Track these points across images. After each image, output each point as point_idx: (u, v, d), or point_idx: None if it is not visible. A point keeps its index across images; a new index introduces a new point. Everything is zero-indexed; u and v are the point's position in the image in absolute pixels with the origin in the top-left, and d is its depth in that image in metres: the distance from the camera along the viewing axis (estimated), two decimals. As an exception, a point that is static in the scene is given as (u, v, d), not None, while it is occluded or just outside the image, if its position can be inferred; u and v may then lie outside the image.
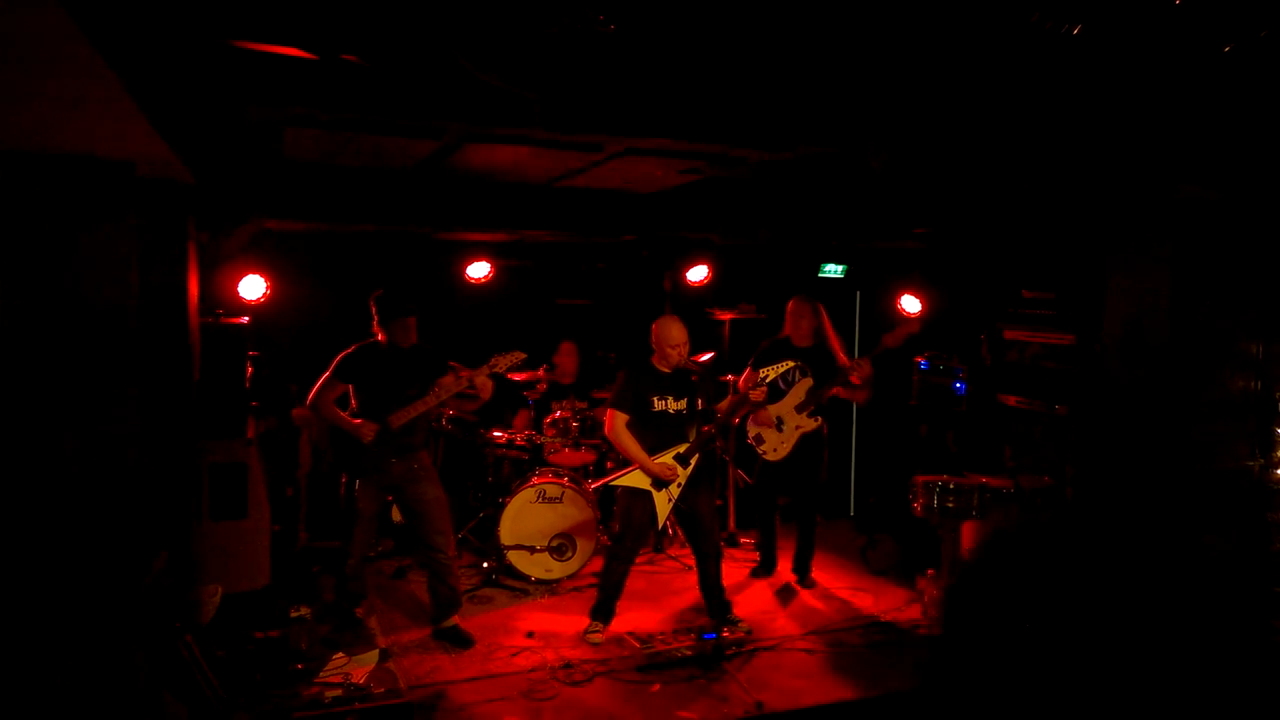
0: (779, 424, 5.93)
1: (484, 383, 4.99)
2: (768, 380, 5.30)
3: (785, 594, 5.99)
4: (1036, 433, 5.90)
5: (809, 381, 5.84)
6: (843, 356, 5.84)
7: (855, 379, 5.65)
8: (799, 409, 5.84)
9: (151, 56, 2.87)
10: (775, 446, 5.96)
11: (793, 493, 6.19)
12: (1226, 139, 4.10)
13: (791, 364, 5.71)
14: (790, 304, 6.06)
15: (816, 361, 5.88)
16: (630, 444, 5.02)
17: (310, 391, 5.02)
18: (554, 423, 6.59)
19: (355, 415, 4.97)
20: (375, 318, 5.02)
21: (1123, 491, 4.75)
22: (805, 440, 5.88)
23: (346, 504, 5.14)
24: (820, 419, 5.86)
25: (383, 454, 4.95)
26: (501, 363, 5.01)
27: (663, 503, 5.07)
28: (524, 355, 5.08)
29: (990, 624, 4.29)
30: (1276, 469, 4.54)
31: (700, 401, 5.16)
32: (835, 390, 5.80)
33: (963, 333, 6.61)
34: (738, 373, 6.89)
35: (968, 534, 5.37)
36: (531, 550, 6.01)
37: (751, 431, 6.09)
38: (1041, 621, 4.21)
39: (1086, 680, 4.31)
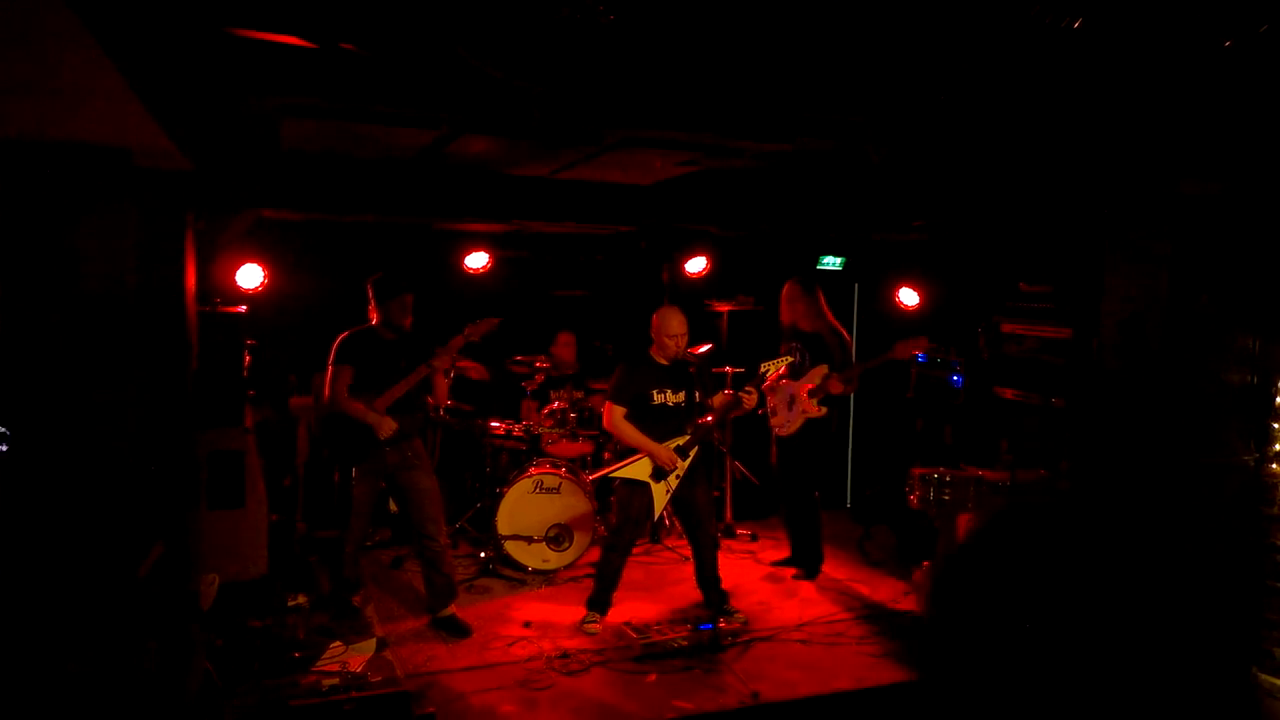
0: (790, 402, 5.94)
1: (460, 345, 5.08)
2: (766, 374, 5.30)
3: (781, 585, 6.00)
4: (1033, 426, 5.91)
5: (824, 368, 5.82)
6: (850, 349, 5.88)
7: (836, 387, 5.75)
8: (811, 394, 5.81)
9: (149, 44, 2.86)
10: (784, 422, 5.98)
11: (795, 477, 6.17)
12: (1226, 134, 4.11)
13: (790, 358, 5.70)
14: (784, 289, 6.07)
15: (818, 344, 5.87)
16: (631, 432, 5.04)
17: (324, 387, 5.02)
18: (552, 413, 6.59)
19: (352, 400, 4.98)
20: (372, 300, 5.04)
21: (1118, 485, 4.76)
22: (810, 425, 5.87)
23: (341, 492, 5.14)
24: (825, 409, 5.84)
25: (377, 442, 4.97)
26: (475, 331, 5.05)
27: (660, 494, 5.08)
28: (497, 320, 5.12)
29: (979, 612, 4.30)
30: (1272, 463, 4.56)
31: (698, 394, 5.17)
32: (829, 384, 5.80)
33: (960, 326, 6.61)
34: (735, 364, 6.90)
35: (961, 523, 5.37)
36: (529, 540, 6.02)
37: (769, 403, 6.11)
38: (1034, 612, 4.21)
39: (1079, 671, 4.32)
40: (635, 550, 5.60)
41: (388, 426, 4.91)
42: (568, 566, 6.09)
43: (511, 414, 6.93)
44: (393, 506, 6.00)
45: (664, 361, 5.11)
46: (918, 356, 6.83)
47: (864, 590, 5.92)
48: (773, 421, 6.09)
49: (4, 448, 3.52)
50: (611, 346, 7.59)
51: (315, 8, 3.10)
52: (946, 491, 5.52)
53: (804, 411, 5.84)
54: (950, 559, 5.03)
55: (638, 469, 5.06)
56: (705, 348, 6.57)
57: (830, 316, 5.98)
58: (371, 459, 5.00)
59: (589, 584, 5.42)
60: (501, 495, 6.03)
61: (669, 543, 6.74)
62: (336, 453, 5.15)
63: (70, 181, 3.68)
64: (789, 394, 5.95)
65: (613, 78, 3.71)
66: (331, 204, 5.63)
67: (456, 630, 5.07)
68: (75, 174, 3.68)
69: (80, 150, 3.64)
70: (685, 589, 5.70)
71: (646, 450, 5.02)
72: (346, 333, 5.07)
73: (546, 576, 6.01)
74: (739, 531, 7.03)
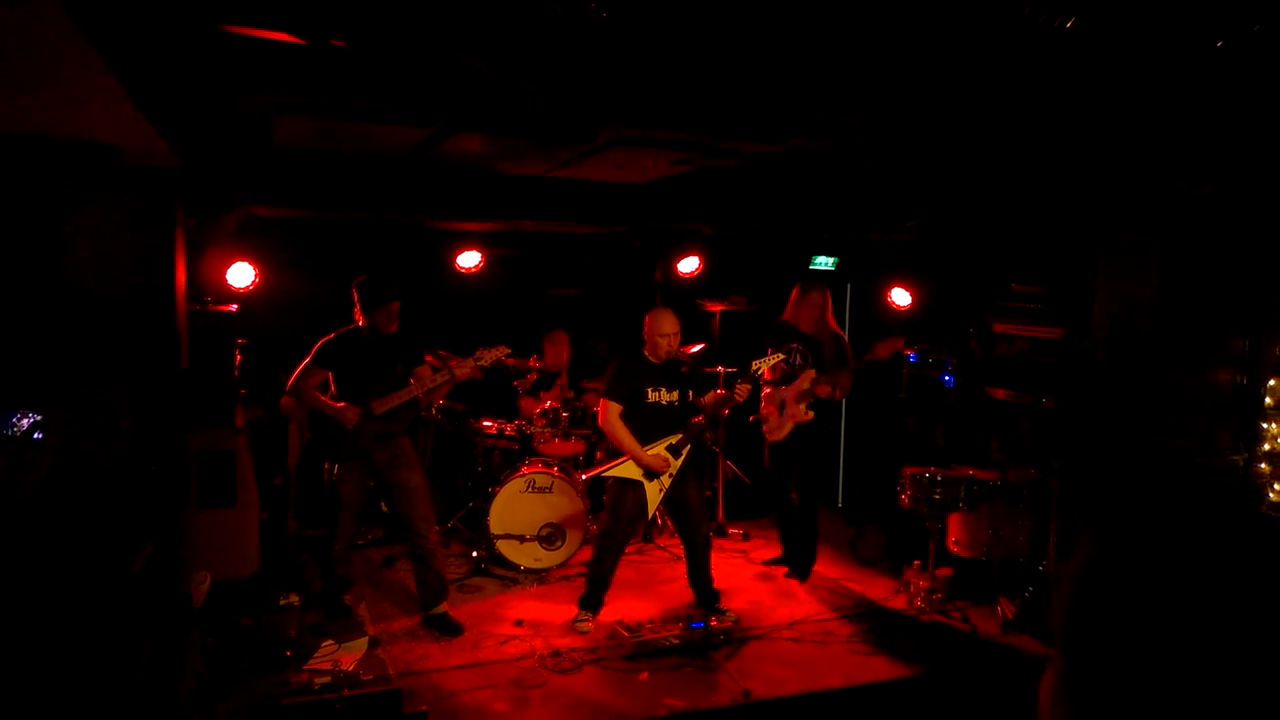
0: (781, 407, 5.94)
1: (467, 374, 5.13)
2: (758, 373, 5.30)
3: (773, 584, 6.01)
4: (1024, 426, 5.93)
5: (813, 372, 5.82)
6: (849, 354, 5.87)
7: (824, 390, 5.74)
8: (799, 399, 5.82)
9: (140, 41, 2.85)
10: (776, 427, 5.98)
11: (789, 480, 6.17)
12: (1219, 135, 4.12)
13: (782, 356, 5.70)
14: (795, 289, 6.05)
15: (818, 350, 5.88)
16: (624, 435, 5.04)
17: (291, 377, 5.03)
18: (544, 412, 6.59)
19: (336, 400, 4.99)
20: (357, 304, 5.03)
21: (1108, 484, 4.78)
22: (799, 430, 5.88)
23: (329, 490, 5.13)
24: (813, 413, 5.85)
25: (364, 440, 4.96)
26: (486, 356, 5.12)
27: (653, 493, 5.08)
28: (508, 350, 5.22)
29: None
30: (1260, 463, 4.58)
31: (690, 393, 5.18)
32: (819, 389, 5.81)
33: (952, 326, 6.63)
34: (728, 364, 6.90)
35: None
36: (521, 539, 6.02)
37: (762, 410, 6.10)
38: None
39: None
40: (628, 549, 5.60)
41: (351, 417, 4.92)
42: (560, 565, 6.09)
43: (505, 413, 6.92)
44: (384, 506, 6.00)
45: (656, 362, 5.12)
46: (909, 356, 6.84)
47: (855, 589, 5.93)
48: (765, 428, 6.09)
49: (39, 435, 3.50)
50: (604, 345, 7.59)
51: (306, 5, 3.09)
52: (938, 491, 5.54)
53: (792, 416, 5.85)
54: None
55: (631, 467, 5.06)
56: (698, 347, 6.57)
57: (833, 322, 5.99)
58: (359, 457, 5.00)
59: (581, 583, 5.42)
60: (493, 494, 6.02)
61: (661, 541, 6.74)
62: (325, 449, 5.14)
63: (59, 178, 3.66)
64: (780, 399, 5.96)
65: (606, 76, 3.71)
66: (323, 202, 5.62)
67: (448, 628, 5.06)
68: (64, 171, 3.66)
69: (69, 147, 3.62)
70: (677, 588, 5.70)
71: (633, 456, 5.03)
72: (332, 334, 5.07)
73: (539, 575, 6.01)
74: (731, 531, 7.04)
